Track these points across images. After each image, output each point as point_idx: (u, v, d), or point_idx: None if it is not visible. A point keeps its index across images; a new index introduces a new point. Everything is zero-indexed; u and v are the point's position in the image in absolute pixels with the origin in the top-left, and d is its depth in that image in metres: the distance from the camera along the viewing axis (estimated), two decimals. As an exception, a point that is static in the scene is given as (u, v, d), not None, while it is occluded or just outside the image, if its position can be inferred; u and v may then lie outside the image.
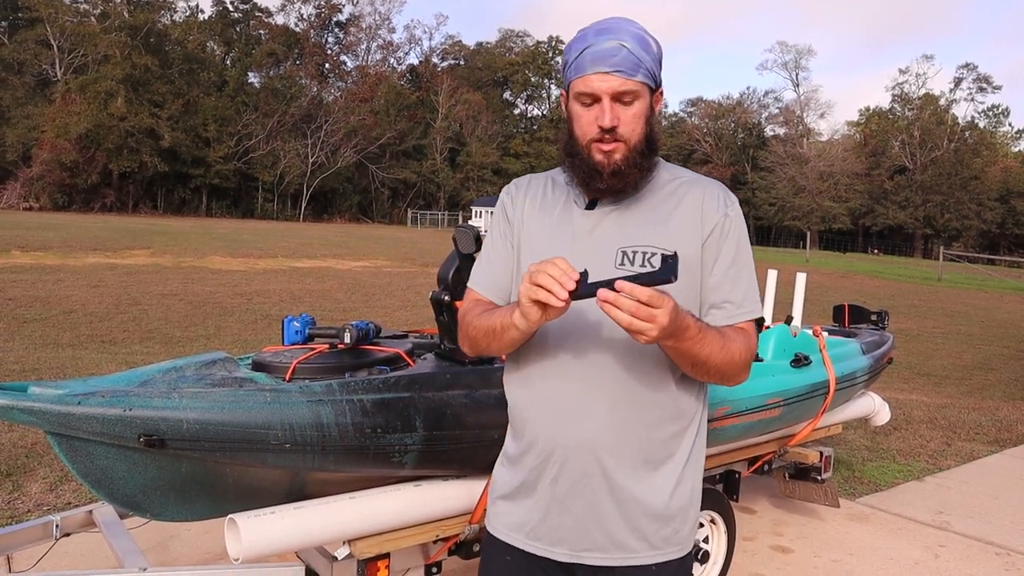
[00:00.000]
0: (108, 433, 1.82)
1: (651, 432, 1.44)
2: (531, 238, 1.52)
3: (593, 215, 1.46)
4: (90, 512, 2.62)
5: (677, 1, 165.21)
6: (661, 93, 1.46)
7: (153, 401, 1.87)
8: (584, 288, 1.20)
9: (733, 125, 74.10)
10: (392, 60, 70.07)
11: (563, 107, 1.48)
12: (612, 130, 1.38)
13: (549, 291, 1.19)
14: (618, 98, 1.38)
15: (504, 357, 1.55)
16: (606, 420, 1.42)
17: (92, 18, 49.50)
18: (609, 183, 1.41)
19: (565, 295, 1.19)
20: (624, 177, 1.40)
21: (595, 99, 1.39)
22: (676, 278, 1.19)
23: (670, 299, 1.19)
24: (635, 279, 1.19)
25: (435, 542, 2.39)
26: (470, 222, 12.07)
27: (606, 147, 1.39)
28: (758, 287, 1.51)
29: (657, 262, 1.39)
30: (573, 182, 1.49)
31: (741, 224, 1.49)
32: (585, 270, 1.22)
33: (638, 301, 1.16)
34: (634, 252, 1.42)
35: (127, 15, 49.10)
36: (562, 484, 1.46)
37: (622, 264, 1.42)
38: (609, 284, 1.18)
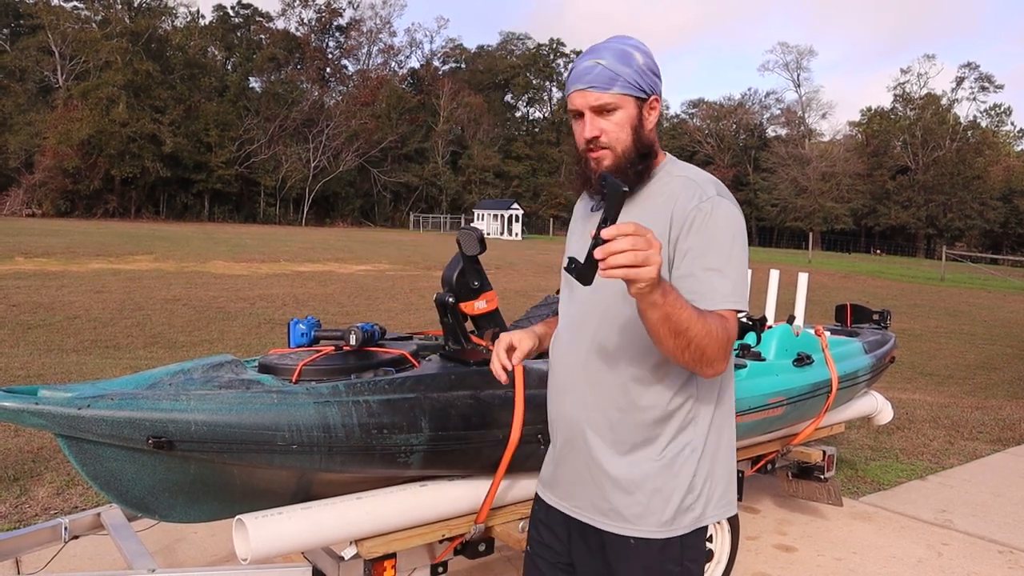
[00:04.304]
0: (117, 435, 1.84)
1: (624, 416, 1.55)
2: (569, 240, 1.76)
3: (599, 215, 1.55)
4: (98, 515, 2.64)
5: (678, 5, 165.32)
6: (656, 99, 1.53)
7: (161, 403, 1.89)
8: (583, 267, 1.23)
9: (735, 126, 73.94)
10: (393, 64, 70.12)
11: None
12: (595, 140, 1.52)
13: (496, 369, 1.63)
14: (598, 111, 1.51)
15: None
16: (583, 398, 1.60)
17: (93, 24, 49.58)
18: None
19: (504, 376, 1.62)
20: None
21: (578, 114, 1.54)
22: (625, 184, 1.21)
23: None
24: (603, 221, 1.20)
25: (441, 542, 2.40)
26: (473, 224, 12.07)
27: (595, 155, 1.54)
28: (738, 279, 1.44)
29: None
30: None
31: (718, 217, 1.45)
32: (572, 257, 1.28)
33: (626, 235, 1.15)
34: None
35: (128, 21, 49.14)
36: (560, 444, 1.69)
37: None
38: (594, 246, 1.19)
